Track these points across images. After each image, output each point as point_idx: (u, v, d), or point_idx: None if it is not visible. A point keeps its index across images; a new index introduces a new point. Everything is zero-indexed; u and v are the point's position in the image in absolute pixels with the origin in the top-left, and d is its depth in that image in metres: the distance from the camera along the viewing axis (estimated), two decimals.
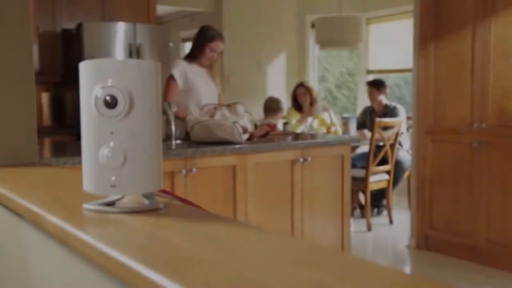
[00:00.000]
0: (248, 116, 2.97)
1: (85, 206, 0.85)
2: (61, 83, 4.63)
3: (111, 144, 0.79)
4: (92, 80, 0.79)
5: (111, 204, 0.84)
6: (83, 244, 0.68)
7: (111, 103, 0.77)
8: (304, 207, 2.93)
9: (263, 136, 2.99)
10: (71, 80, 4.44)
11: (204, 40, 3.27)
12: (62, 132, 4.43)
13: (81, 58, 4.15)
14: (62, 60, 4.51)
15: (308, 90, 5.06)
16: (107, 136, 0.79)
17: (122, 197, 0.85)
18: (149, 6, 4.83)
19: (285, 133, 3.54)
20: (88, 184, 0.83)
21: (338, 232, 3.12)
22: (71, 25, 4.42)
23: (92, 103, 0.78)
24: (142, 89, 0.78)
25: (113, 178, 0.80)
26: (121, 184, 0.80)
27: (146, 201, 0.84)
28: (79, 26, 4.16)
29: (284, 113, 5.29)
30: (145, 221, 0.76)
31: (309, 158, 2.90)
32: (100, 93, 0.77)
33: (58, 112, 4.70)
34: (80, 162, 2.33)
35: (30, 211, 0.91)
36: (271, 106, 5.06)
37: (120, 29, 4.26)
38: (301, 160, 2.87)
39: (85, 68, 0.82)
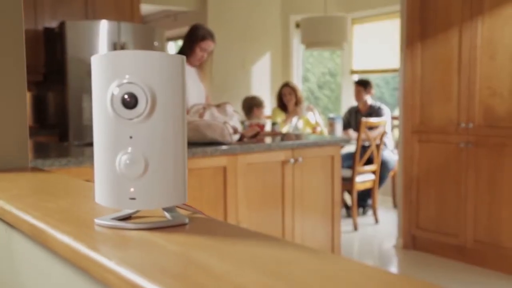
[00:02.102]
0: (238, 116, 2.94)
1: (98, 221, 0.73)
2: (43, 83, 4.53)
3: (130, 149, 0.68)
4: (107, 76, 0.68)
5: (126, 218, 0.74)
6: (103, 269, 0.58)
7: (130, 103, 0.66)
8: (295, 207, 2.91)
9: (254, 136, 2.96)
10: (54, 79, 4.36)
11: (194, 39, 3.22)
12: (44, 132, 4.33)
13: (64, 57, 4.07)
14: (44, 59, 4.42)
15: (294, 90, 5.06)
16: (125, 140, 0.68)
17: (138, 211, 0.75)
18: (133, 5, 4.75)
19: (274, 133, 3.51)
20: (101, 196, 0.72)
21: (329, 233, 3.11)
22: (53, 24, 4.32)
23: (108, 103, 0.67)
24: (166, 86, 0.67)
25: (132, 189, 0.69)
26: (141, 197, 0.69)
27: (168, 215, 0.73)
28: (62, 25, 4.07)
29: (266, 110, 5.28)
30: (172, 239, 0.65)
31: (300, 159, 2.88)
32: (117, 91, 0.66)
33: (40, 112, 4.60)
34: (67, 164, 2.27)
35: (32, 226, 0.79)
36: (250, 105, 5.05)
37: (104, 27, 4.19)
38: (292, 160, 2.85)
39: (98, 61, 0.70)
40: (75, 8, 4.47)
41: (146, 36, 4.50)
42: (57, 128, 4.32)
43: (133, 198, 0.69)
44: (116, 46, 4.20)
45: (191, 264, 0.56)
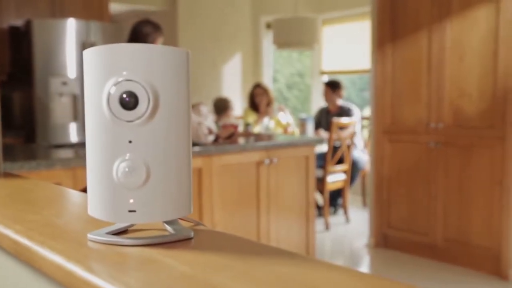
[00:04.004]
0: (212, 116, 2.91)
1: (92, 236, 0.64)
2: (8, 82, 4.39)
3: (129, 156, 0.60)
4: (103, 73, 0.59)
5: (122, 232, 0.66)
6: None
7: (130, 103, 0.58)
8: (270, 208, 2.90)
9: (229, 137, 2.94)
10: (20, 79, 4.23)
11: (156, 33, 3.17)
12: (9, 134, 4.20)
13: (30, 56, 3.95)
14: (9, 58, 4.29)
15: (265, 90, 5.06)
16: (124, 145, 0.60)
17: (134, 224, 0.66)
18: (102, 3, 4.66)
19: (247, 134, 3.50)
20: (96, 208, 0.63)
21: (303, 233, 3.11)
22: (19, 22, 4.20)
23: (104, 103, 0.59)
24: (171, 84, 0.60)
25: (132, 200, 0.61)
26: (142, 209, 0.61)
27: (169, 229, 0.65)
28: (28, 23, 3.96)
29: (236, 112, 5.27)
30: (179, 257, 0.56)
31: (275, 160, 2.88)
32: (114, 89, 0.58)
33: (5, 112, 4.45)
34: (37, 167, 2.19)
35: (14, 242, 0.69)
36: (221, 106, 5.03)
37: (72, 26, 4.09)
38: (267, 161, 2.84)
39: (91, 56, 0.61)
40: (42, 6, 4.35)
41: (116, 35, 4.42)
42: (23, 129, 4.20)
43: (133, 211, 0.61)
44: (85, 45, 4.11)
45: None
